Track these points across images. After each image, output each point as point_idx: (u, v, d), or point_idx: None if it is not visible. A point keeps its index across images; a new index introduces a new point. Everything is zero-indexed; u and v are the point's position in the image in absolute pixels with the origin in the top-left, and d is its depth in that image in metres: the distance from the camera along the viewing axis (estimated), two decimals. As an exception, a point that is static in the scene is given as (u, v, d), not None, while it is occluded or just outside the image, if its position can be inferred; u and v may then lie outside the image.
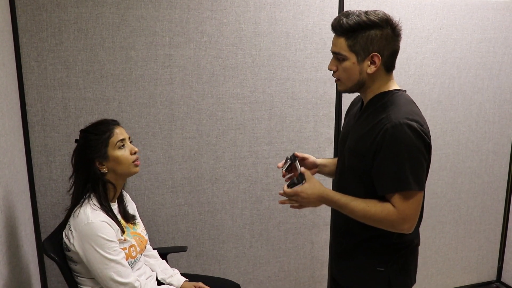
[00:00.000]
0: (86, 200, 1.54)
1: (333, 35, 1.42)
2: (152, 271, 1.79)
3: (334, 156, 2.42)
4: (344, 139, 1.55)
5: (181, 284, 1.80)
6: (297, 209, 2.37)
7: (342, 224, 1.55)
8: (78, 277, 1.58)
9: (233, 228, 2.36)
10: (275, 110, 2.29)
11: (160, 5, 2.01)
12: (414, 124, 1.32)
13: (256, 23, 2.16)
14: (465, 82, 2.59)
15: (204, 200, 2.27)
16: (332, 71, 1.45)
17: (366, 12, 1.35)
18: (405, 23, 2.37)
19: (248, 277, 2.45)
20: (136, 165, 1.62)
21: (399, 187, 1.34)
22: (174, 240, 2.27)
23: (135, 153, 1.62)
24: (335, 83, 1.49)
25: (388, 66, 1.41)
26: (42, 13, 1.86)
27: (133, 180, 2.12)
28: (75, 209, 1.53)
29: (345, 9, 2.15)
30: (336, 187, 1.58)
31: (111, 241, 1.50)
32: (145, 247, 1.76)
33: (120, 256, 1.52)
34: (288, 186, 1.46)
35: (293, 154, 1.61)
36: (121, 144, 1.59)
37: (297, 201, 1.46)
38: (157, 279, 1.79)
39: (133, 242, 1.63)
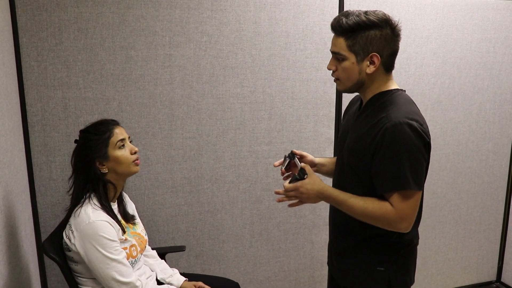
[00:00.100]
0: (87, 200, 1.54)
1: (333, 35, 1.42)
2: (152, 271, 1.79)
3: (334, 156, 2.42)
4: (343, 139, 1.55)
5: (181, 283, 1.81)
6: (296, 209, 2.38)
7: (342, 222, 1.55)
8: (79, 278, 1.58)
9: (233, 228, 2.36)
10: (275, 110, 2.29)
11: (160, 4, 2.01)
12: (414, 123, 1.32)
13: (256, 23, 2.16)
14: (465, 82, 2.59)
15: (204, 200, 2.27)
16: (331, 71, 1.45)
17: (365, 12, 1.35)
18: (405, 23, 2.37)
19: (248, 277, 2.45)
20: (137, 164, 1.63)
21: (398, 186, 1.34)
22: (174, 240, 2.27)
23: (135, 152, 1.62)
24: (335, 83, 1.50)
25: (388, 66, 1.41)
26: (42, 12, 1.86)
27: (133, 180, 2.12)
28: (76, 209, 1.53)
29: (345, 9, 2.15)
30: (335, 186, 1.58)
31: (113, 240, 1.50)
32: (145, 247, 1.76)
33: (122, 256, 1.52)
34: (290, 182, 1.47)
35: (291, 152, 1.61)
36: (121, 144, 1.59)
37: (296, 197, 1.45)
38: (156, 279, 1.79)
39: (134, 241, 1.63)
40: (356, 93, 1.53)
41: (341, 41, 1.37)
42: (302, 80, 2.29)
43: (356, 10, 1.37)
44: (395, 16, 1.41)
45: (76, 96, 1.98)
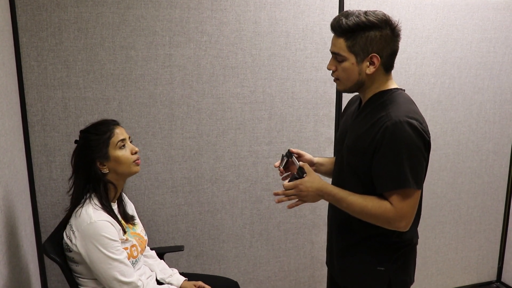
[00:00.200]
0: (88, 200, 1.53)
1: (333, 35, 1.42)
2: (151, 271, 1.79)
3: (333, 156, 2.42)
4: (341, 138, 1.54)
5: (180, 283, 1.81)
6: (296, 209, 2.38)
7: (342, 221, 1.54)
8: (79, 278, 1.57)
9: (233, 228, 2.36)
10: (275, 110, 2.29)
11: (160, 4, 2.01)
12: (414, 122, 1.32)
13: (256, 22, 2.16)
14: (466, 82, 2.59)
15: (204, 200, 2.27)
16: (331, 71, 1.45)
17: (365, 13, 1.35)
18: (405, 23, 2.37)
19: (248, 277, 2.45)
20: (137, 164, 1.62)
21: (398, 185, 1.34)
22: (174, 240, 2.27)
23: (135, 152, 1.62)
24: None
25: (387, 66, 1.41)
26: (42, 12, 1.86)
27: (133, 180, 2.12)
28: (77, 209, 1.53)
29: (345, 9, 2.16)
30: (335, 185, 1.58)
31: (114, 240, 1.50)
32: (145, 247, 1.76)
33: (123, 256, 1.52)
34: (289, 181, 1.46)
35: (288, 150, 1.60)
36: (122, 144, 1.59)
37: (296, 195, 1.44)
38: (156, 279, 1.79)
39: (134, 241, 1.63)
40: (356, 93, 1.53)
41: (341, 41, 1.37)
42: (302, 80, 2.29)
43: (356, 10, 1.37)
44: (395, 16, 1.41)
45: (76, 96, 1.98)
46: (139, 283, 1.55)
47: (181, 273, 1.87)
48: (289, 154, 1.59)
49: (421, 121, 1.36)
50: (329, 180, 1.62)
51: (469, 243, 2.86)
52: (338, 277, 1.62)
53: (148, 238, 1.81)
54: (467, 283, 2.94)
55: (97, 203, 1.53)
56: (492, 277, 3.00)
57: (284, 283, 2.53)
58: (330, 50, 1.43)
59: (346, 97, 2.09)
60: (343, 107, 2.36)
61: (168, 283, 1.79)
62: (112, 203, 1.62)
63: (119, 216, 1.63)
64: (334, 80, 1.46)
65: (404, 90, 1.46)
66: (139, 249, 1.65)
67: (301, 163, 1.49)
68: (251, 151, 2.29)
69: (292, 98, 2.30)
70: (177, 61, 2.08)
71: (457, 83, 2.58)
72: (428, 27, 2.44)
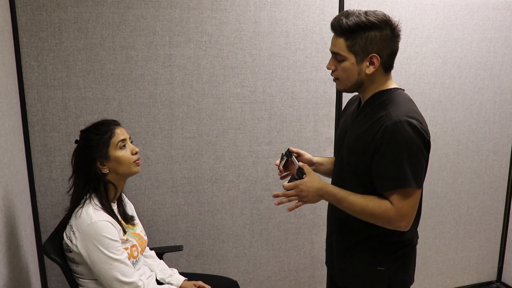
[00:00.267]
0: (88, 201, 1.53)
1: (333, 35, 1.41)
2: (151, 271, 1.79)
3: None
4: (341, 138, 1.54)
5: (180, 283, 1.81)
6: (296, 209, 2.37)
7: (342, 221, 1.54)
8: (79, 279, 1.57)
9: (233, 228, 2.36)
10: (275, 110, 2.29)
11: (160, 4, 2.01)
12: (414, 121, 1.33)
13: (256, 22, 2.16)
14: (466, 82, 2.59)
15: (204, 200, 2.27)
16: (331, 70, 1.45)
17: (365, 13, 1.35)
18: (405, 22, 2.37)
19: (248, 276, 2.45)
20: (137, 165, 1.62)
21: (398, 184, 1.34)
22: (174, 240, 2.27)
23: (136, 153, 1.62)
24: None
25: (387, 66, 1.41)
26: (42, 12, 1.86)
27: (133, 180, 2.12)
28: (77, 209, 1.52)
29: (345, 9, 2.15)
30: (334, 185, 1.58)
31: (115, 240, 1.50)
32: (145, 247, 1.76)
33: (124, 256, 1.52)
34: (289, 182, 1.46)
35: (288, 150, 1.60)
36: (122, 144, 1.59)
37: (296, 195, 1.43)
38: (156, 279, 1.79)
39: (135, 242, 1.63)
40: (355, 93, 1.53)
41: (341, 41, 1.37)
42: (302, 80, 2.29)
43: (356, 10, 1.37)
44: (395, 16, 1.41)
45: (76, 96, 1.98)
46: (140, 283, 1.55)
47: (181, 273, 1.87)
48: (289, 153, 1.59)
49: (421, 120, 1.36)
50: (328, 180, 1.62)
51: (469, 243, 2.86)
52: (338, 277, 1.62)
53: (148, 238, 1.82)
54: (467, 283, 2.94)
55: (97, 203, 1.53)
56: (492, 277, 3.00)
57: (284, 283, 2.53)
58: (330, 49, 1.43)
59: (346, 97, 2.09)
60: (343, 107, 2.37)
61: (168, 283, 1.79)
62: (112, 204, 1.62)
63: (119, 216, 1.63)
64: (334, 80, 1.46)
65: (403, 90, 1.46)
66: (139, 249, 1.65)
67: (300, 163, 1.48)
68: (251, 151, 2.29)
69: (292, 98, 2.30)
70: (177, 61, 2.08)
71: (457, 83, 2.57)
72: (428, 27, 2.44)
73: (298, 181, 1.43)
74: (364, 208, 1.38)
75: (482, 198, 2.81)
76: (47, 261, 2.06)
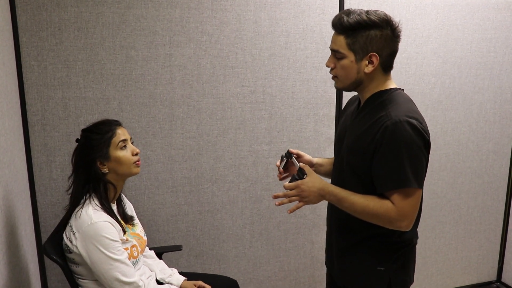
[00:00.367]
0: (87, 201, 1.53)
1: (333, 32, 1.42)
2: (151, 271, 1.79)
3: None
4: (341, 138, 1.54)
5: (180, 283, 1.80)
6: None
7: (342, 221, 1.54)
8: (79, 279, 1.57)
9: (233, 228, 2.36)
10: (276, 110, 2.29)
11: (161, 4, 2.00)
12: (414, 121, 1.33)
13: (257, 22, 2.16)
14: (466, 82, 2.59)
15: (204, 199, 2.27)
16: (330, 68, 1.45)
17: (367, 12, 1.35)
18: (405, 22, 2.37)
19: (248, 276, 2.45)
20: (137, 166, 1.62)
21: (399, 184, 1.34)
22: (174, 240, 2.27)
23: (136, 154, 1.62)
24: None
25: (386, 66, 1.41)
26: (42, 12, 1.86)
27: (133, 180, 2.12)
28: (76, 210, 1.52)
29: (345, 9, 2.15)
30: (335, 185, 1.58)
31: (115, 241, 1.49)
32: (145, 247, 1.76)
33: (124, 256, 1.52)
34: (289, 182, 1.45)
35: (288, 151, 1.60)
36: (123, 144, 1.58)
37: (297, 195, 1.42)
38: (156, 279, 1.79)
39: (134, 242, 1.63)
40: (355, 93, 1.53)
41: (341, 39, 1.37)
42: (302, 80, 2.29)
43: (358, 9, 1.37)
44: (396, 15, 1.41)
45: (76, 95, 1.98)
46: (141, 283, 1.55)
47: (181, 273, 1.87)
48: (289, 154, 1.59)
49: (421, 120, 1.36)
50: (328, 181, 1.61)
51: (469, 243, 2.86)
52: (337, 277, 1.62)
53: (148, 238, 1.81)
54: (467, 283, 2.94)
55: (97, 203, 1.53)
56: (492, 277, 3.00)
57: (284, 283, 2.53)
58: (330, 47, 1.43)
59: (346, 97, 2.09)
60: (343, 107, 2.37)
61: (168, 283, 1.79)
62: (111, 204, 1.62)
63: (118, 216, 1.63)
64: (332, 78, 1.46)
65: (403, 90, 1.46)
66: (139, 249, 1.65)
67: (301, 164, 1.48)
68: (251, 151, 2.29)
69: (292, 98, 2.30)
70: (177, 61, 2.08)
71: (457, 83, 2.57)
72: (429, 27, 2.44)
73: (299, 181, 1.42)
74: (365, 208, 1.38)
75: (482, 198, 2.81)
76: (47, 261, 2.06)
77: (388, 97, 1.40)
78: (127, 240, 1.58)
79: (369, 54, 1.36)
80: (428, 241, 2.73)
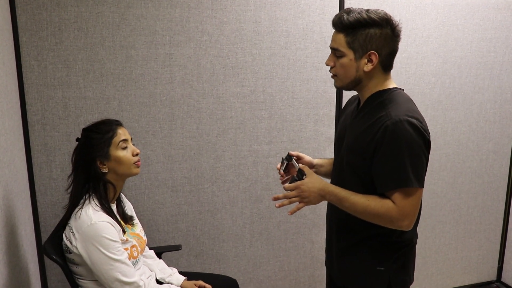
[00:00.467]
0: (87, 201, 1.53)
1: (333, 31, 1.42)
2: (151, 271, 1.79)
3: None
4: (340, 138, 1.54)
5: (180, 282, 1.80)
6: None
7: (342, 221, 1.54)
8: (79, 280, 1.57)
9: (233, 228, 2.36)
10: (276, 110, 2.29)
11: (160, 4, 2.00)
12: (414, 121, 1.33)
13: (257, 22, 2.16)
14: (466, 82, 2.59)
15: (204, 199, 2.27)
16: (329, 67, 1.45)
17: (367, 10, 1.36)
18: (406, 22, 2.37)
19: (248, 276, 2.45)
20: (137, 166, 1.62)
21: (400, 183, 1.34)
22: (174, 240, 2.27)
23: (137, 154, 1.62)
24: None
25: (386, 65, 1.41)
26: (42, 12, 1.86)
27: (133, 180, 2.12)
28: (76, 210, 1.52)
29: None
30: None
31: (115, 241, 1.49)
32: (145, 247, 1.75)
33: (124, 256, 1.52)
34: (289, 184, 1.45)
35: (288, 154, 1.61)
36: (124, 144, 1.58)
37: (298, 196, 1.42)
38: (156, 279, 1.78)
39: (134, 242, 1.63)
40: (355, 93, 1.53)
41: (341, 37, 1.37)
42: (302, 80, 2.29)
43: (358, 8, 1.38)
44: (396, 15, 1.41)
45: (76, 95, 1.98)
46: (141, 283, 1.54)
47: (181, 272, 1.87)
48: (289, 157, 1.59)
49: (421, 120, 1.36)
50: (329, 181, 1.61)
51: (469, 243, 2.86)
52: (337, 277, 1.62)
53: (148, 237, 1.81)
54: (467, 283, 2.94)
55: (97, 203, 1.53)
56: (492, 277, 3.00)
57: (284, 283, 2.53)
58: (329, 45, 1.43)
59: (346, 97, 2.09)
60: (343, 107, 2.37)
61: (168, 283, 1.79)
62: (111, 204, 1.61)
63: (118, 216, 1.63)
64: (332, 77, 1.47)
65: (403, 90, 1.46)
66: (139, 249, 1.65)
67: (300, 165, 1.48)
68: (251, 150, 2.29)
69: (292, 97, 2.30)
70: (177, 61, 2.08)
71: (457, 83, 2.57)
72: (429, 26, 2.44)
73: (299, 182, 1.42)
74: (366, 207, 1.38)
75: (482, 198, 2.81)
76: (47, 261, 2.06)
77: (388, 97, 1.40)
78: (126, 240, 1.58)
79: (369, 52, 1.36)
80: (428, 241, 2.73)
